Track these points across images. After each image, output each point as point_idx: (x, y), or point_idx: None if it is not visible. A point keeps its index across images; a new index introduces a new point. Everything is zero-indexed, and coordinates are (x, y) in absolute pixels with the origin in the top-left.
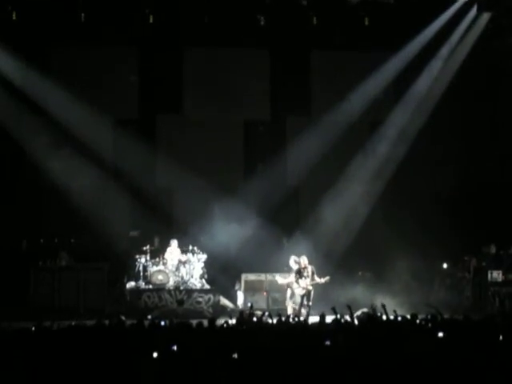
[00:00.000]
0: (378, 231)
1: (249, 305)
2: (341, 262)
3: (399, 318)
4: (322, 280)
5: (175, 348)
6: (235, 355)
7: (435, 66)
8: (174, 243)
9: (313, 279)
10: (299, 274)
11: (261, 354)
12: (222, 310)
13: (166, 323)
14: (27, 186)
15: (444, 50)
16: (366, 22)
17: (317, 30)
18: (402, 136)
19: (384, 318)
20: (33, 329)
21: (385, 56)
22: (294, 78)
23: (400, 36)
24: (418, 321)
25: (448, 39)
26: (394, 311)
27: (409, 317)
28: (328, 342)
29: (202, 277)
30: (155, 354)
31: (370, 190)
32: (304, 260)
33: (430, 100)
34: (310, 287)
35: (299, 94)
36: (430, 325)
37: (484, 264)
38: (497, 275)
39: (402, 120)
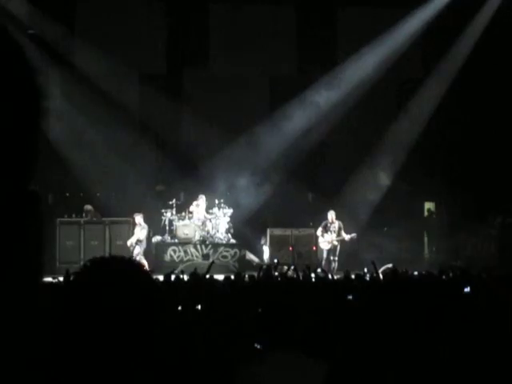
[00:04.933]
0: (405, 187)
1: (275, 260)
2: (367, 218)
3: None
4: (348, 236)
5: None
6: (260, 310)
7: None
8: (202, 199)
9: (339, 235)
10: (325, 228)
11: (286, 309)
12: (248, 265)
13: (191, 277)
14: (52, 139)
15: (469, 10)
16: None
17: None
18: (427, 95)
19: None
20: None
21: (411, 12)
22: (320, 34)
23: None
24: (444, 277)
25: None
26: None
27: (436, 273)
28: (351, 297)
29: (227, 231)
30: (180, 308)
31: (396, 144)
32: (332, 215)
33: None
34: (336, 242)
35: (324, 50)
36: (456, 281)
37: (510, 220)
38: None
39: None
